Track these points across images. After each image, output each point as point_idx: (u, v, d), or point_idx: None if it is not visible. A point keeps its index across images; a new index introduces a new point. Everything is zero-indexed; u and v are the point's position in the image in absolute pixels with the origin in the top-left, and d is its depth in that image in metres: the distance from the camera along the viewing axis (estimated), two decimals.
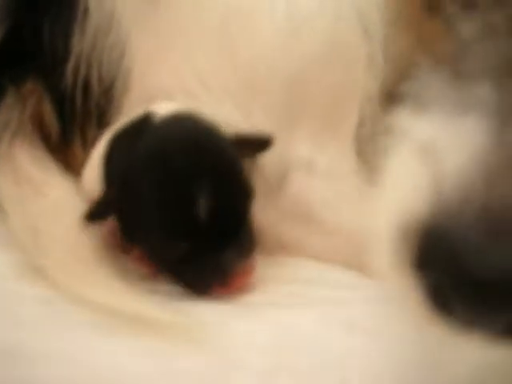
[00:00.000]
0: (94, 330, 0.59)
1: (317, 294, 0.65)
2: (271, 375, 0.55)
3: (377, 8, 0.71)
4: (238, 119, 0.72)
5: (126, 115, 0.76)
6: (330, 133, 0.72)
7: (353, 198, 0.70)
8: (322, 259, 0.70)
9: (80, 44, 0.77)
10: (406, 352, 0.56)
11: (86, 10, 0.75)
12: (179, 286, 0.65)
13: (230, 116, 0.72)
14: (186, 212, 0.62)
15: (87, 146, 0.79)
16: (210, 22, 0.72)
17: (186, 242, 0.63)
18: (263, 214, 0.69)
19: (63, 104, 0.80)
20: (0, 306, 0.63)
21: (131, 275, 0.65)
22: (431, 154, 0.40)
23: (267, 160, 0.71)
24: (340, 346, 0.58)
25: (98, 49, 0.76)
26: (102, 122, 0.78)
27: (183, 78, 0.74)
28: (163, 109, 0.70)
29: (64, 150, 0.81)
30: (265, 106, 0.72)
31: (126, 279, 0.64)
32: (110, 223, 0.68)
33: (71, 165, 0.79)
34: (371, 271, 0.64)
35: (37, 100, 0.81)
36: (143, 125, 0.69)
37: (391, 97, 0.57)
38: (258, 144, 0.69)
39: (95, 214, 0.66)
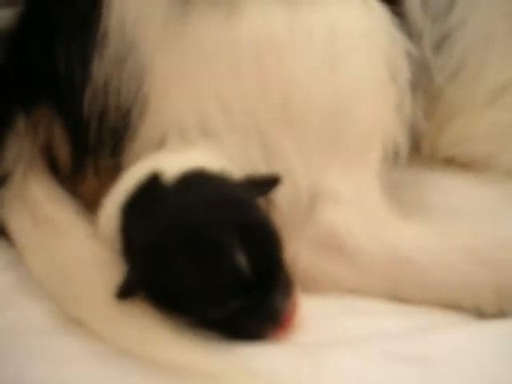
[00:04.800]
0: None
1: (368, 326, 0.64)
2: None
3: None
4: (261, 158, 0.70)
5: (140, 147, 0.73)
6: (357, 165, 0.71)
7: (382, 228, 0.70)
8: (358, 293, 0.69)
9: (98, 70, 0.74)
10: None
11: (106, 35, 0.72)
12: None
13: (253, 155, 0.69)
14: (228, 271, 0.61)
15: (100, 174, 0.77)
16: (242, 53, 0.69)
17: (235, 299, 0.62)
18: (294, 249, 0.69)
19: (77, 132, 0.76)
20: (47, 364, 0.62)
21: (173, 321, 0.64)
22: None
23: (294, 192, 0.70)
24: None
25: (116, 76, 0.73)
26: (116, 151, 0.75)
27: (204, 112, 0.71)
28: (170, 163, 0.68)
29: (75, 180, 0.78)
30: (296, 141, 0.70)
31: (171, 326, 0.63)
32: None
33: (82, 194, 0.77)
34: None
35: (47, 128, 0.78)
36: (154, 191, 0.67)
37: None
38: (269, 183, 0.67)
39: (125, 293, 0.64)
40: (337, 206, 0.70)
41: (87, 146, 0.76)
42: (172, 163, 0.68)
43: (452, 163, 0.83)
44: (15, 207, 0.76)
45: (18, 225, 0.75)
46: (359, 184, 0.71)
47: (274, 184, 0.67)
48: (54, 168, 0.79)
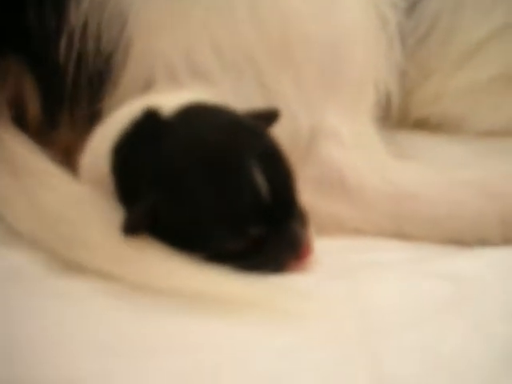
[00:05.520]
0: (185, 315, 0.54)
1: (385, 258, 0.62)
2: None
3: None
4: (257, 97, 0.68)
5: (123, 93, 0.70)
6: (354, 106, 0.71)
7: (384, 165, 0.69)
8: (362, 232, 0.68)
9: (76, 14, 0.70)
10: None
11: None
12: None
13: (248, 94, 0.68)
14: (249, 195, 0.59)
15: (75, 125, 0.73)
16: None
17: (256, 226, 0.59)
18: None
19: (50, 81, 0.72)
20: (60, 305, 0.57)
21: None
22: None
23: (293, 130, 0.68)
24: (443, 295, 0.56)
25: (96, 19, 0.70)
26: (95, 99, 0.71)
27: (195, 52, 0.69)
28: (163, 101, 0.64)
29: (47, 132, 0.73)
30: (294, 80, 0.69)
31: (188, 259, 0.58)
32: None
33: (54, 147, 0.72)
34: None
35: (15, 79, 0.73)
36: (154, 124, 0.63)
37: None
38: (269, 118, 0.65)
39: (133, 228, 0.59)
40: (337, 144, 0.69)
41: (62, 95, 0.72)
42: (165, 101, 0.64)
43: (423, 126, 0.83)
44: None
45: None
46: (357, 125, 0.70)
47: (273, 118, 0.64)
48: (20, 122, 0.73)
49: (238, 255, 0.59)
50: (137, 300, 0.56)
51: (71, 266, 0.61)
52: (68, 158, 0.70)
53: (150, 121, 0.63)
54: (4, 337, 0.53)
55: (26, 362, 0.51)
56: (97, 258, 0.60)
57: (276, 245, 0.60)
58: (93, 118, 0.70)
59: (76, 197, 0.65)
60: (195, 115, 0.63)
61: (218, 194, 0.58)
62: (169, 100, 0.64)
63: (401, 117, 0.81)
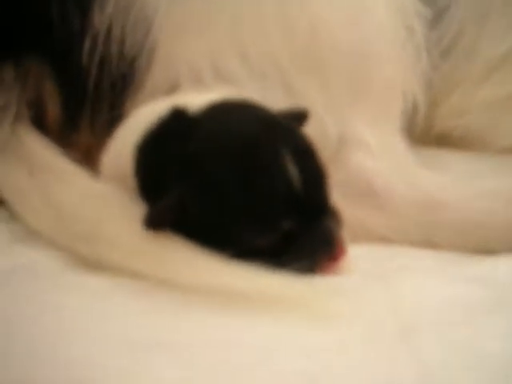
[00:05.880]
0: (211, 312, 0.53)
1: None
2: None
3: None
4: (283, 102, 0.67)
5: (146, 97, 0.69)
6: (382, 115, 0.70)
7: (413, 175, 0.68)
8: (389, 240, 0.66)
9: (100, 17, 0.69)
10: None
11: None
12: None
13: (275, 99, 0.67)
14: (281, 185, 0.57)
15: (96, 130, 0.71)
16: None
17: (288, 219, 0.57)
18: None
19: (71, 84, 0.71)
20: (80, 298, 0.55)
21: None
22: None
23: (321, 136, 0.67)
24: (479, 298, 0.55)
25: (120, 23, 0.69)
26: (116, 103, 0.70)
27: (221, 56, 0.69)
28: (189, 100, 0.63)
29: (67, 135, 0.72)
30: (322, 86, 0.68)
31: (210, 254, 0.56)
32: None
33: (74, 150, 0.70)
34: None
35: (37, 80, 0.72)
36: (182, 121, 0.61)
37: None
38: (298, 119, 0.63)
39: (159, 221, 0.57)
40: (365, 152, 0.68)
41: (83, 98, 0.71)
42: (192, 100, 0.63)
43: (445, 142, 0.82)
44: (5, 158, 0.68)
45: (8, 177, 0.68)
46: (384, 134, 0.69)
47: (302, 118, 0.63)
48: (39, 124, 0.72)
49: (268, 252, 0.56)
50: (158, 297, 0.55)
51: (89, 264, 0.59)
52: (88, 160, 0.69)
53: (176, 118, 0.61)
54: (19, 331, 0.52)
55: (38, 356, 0.49)
56: (117, 254, 0.58)
57: (309, 242, 0.57)
58: (113, 122, 0.69)
59: (95, 193, 0.63)
60: (225, 110, 0.61)
61: (249, 186, 0.57)
62: (195, 99, 0.63)
63: (424, 131, 0.80)
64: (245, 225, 0.57)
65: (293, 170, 0.57)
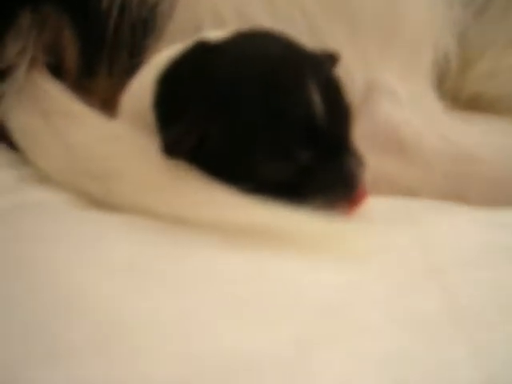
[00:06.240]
0: (223, 249, 0.50)
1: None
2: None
3: None
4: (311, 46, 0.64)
5: (167, 44, 0.66)
6: (411, 65, 0.67)
7: (444, 126, 0.65)
8: (418, 195, 0.63)
9: None
10: None
11: None
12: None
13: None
14: (303, 115, 0.54)
15: (114, 79, 0.69)
16: None
17: (307, 150, 0.54)
18: None
19: (90, 29, 0.68)
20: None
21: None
22: None
23: (348, 84, 0.62)
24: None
25: None
26: (135, 52, 0.68)
27: (245, 2, 0.65)
28: (216, 34, 0.60)
29: (84, 83, 0.69)
30: (349, 32, 0.65)
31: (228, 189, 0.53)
32: None
33: (92, 98, 0.68)
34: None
35: (54, 26, 0.70)
36: (206, 51, 0.58)
37: None
38: (328, 60, 0.60)
39: (176, 146, 0.54)
40: (394, 102, 0.65)
41: (102, 44, 0.69)
42: (216, 34, 0.60)
43: (475, 107, 0.79)
44: (19, 101, 0.66)
45: (21, 120, 0.65)
46: (414, 84, 0.67)
47: (333, 60, 0.60)
48: (56, 71, 0.70)
49: (285, 186, 0.54)
50: (168, 231, 0.52)
51: (99, 204, 0.57)
52: (105, 109, 0.66)
53: (198, 48, 0.58)
54: (18, 261, 0.49)
55: (41, 286, 0.47)
56: (128, 187, 0.56)
57: (328, 178, 0.54)
58: (133, 70, 0.66)
59: (110, 134, 0.61)
60: (249, 38, 0.58)
61: (269, 111, 0.54)
62: (219, 34, 0.60)
63: (454, 94, 0.77)
64: (262, 152, 0.54)
65: (317, 101, 0.54)
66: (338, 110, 0.56)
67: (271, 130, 0.53)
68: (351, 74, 0.65)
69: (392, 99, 0.65)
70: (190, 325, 0.43)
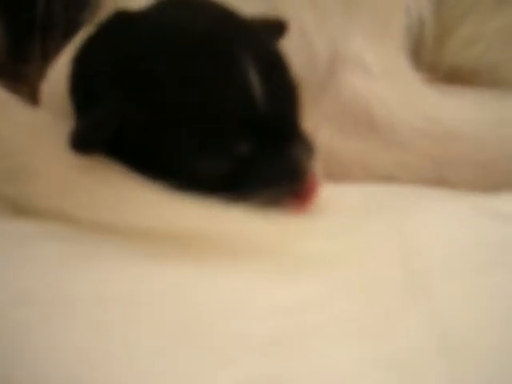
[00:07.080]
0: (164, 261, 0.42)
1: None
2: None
3: None
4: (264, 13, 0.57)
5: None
6: (381, 29, 0.60)
7: (419, 98, 0.59)
8: (391, 179, 0.57)
9: None
10: None
11: None
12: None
13: (255, 9, 0.56)
14: (238, 100, 0.46)
15: (49, 62, 0.61)
16: None
17: (245, 141, 0.47)
18: (313, 123, 0.53)
19: (16, 9, 0.61)
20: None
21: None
22: None
23: (309, 58, 0.58)
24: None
25: None
26: (70, 30, 0.60)
27: None
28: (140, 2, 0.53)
29: (15, 69, 0.62)
30: None
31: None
32: None
33: (23, 86, 0.60)
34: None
35: None
36: (120, 22, 0.51)
37: None
38: (274, 29, 0.53)
39: (88, 139, 0.47)
40: (362, 73, 0.58)
41: (31, 23, 0.61)
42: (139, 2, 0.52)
43: (454, 79, 0.72)
44: None
45: None
46: (385, 52, 0.60)
47: (280, 30, 0.52)
48: None
49: (223, 181, 0.46)
50: (94, 242, 0.44)
51: (19, 210, 0.49)
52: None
53: (115, 20, 0.51)
54: None
55: None
56: (47, 191, 0.48)
57: (271, 170, 0.47)
58: None
59: (29, 124, 0.53)
60: (172, 6, 0.51)
61: (196, 95, 0.46)
62: (142, 1, 0.52)
63: (433, 65, 0.70)
64: (190, 145, 0.46)
65: (254, 81, 0.46)
66: (281, 90, 0.48)
67: (199, 118, 0.46)
68: (312, 45, 0.58)
69: (361, 70, 0.58)
70: None
